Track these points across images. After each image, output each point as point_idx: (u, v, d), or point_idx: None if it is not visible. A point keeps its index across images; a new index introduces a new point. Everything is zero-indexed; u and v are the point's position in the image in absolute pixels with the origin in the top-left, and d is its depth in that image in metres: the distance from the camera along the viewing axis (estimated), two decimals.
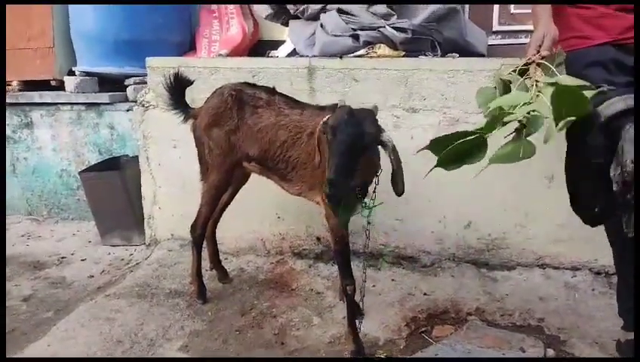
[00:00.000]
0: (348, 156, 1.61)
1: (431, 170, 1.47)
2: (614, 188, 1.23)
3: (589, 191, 1.35)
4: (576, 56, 1.72)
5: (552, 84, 1.43)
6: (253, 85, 2.22)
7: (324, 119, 1.76)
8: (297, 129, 2.01)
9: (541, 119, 1.39)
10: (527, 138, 1.40)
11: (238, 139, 2.14)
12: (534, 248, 2.60)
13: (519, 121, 1.40)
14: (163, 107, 2.33)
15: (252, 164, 2.18)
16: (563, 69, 1.67)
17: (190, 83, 2.32)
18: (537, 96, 1.42)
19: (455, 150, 1.43)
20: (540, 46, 1.66)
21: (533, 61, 1.61)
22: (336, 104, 2.00)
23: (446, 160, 1.45)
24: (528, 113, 1.39)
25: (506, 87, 1.63)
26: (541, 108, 1.38)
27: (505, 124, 1.43)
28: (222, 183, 2.26)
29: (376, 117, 1.76)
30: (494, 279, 2.53)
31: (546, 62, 1.59)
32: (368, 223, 1.96)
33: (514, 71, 1.65)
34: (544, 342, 2.01)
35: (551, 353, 1.94)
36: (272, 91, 2.17)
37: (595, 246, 2.48)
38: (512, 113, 1.42)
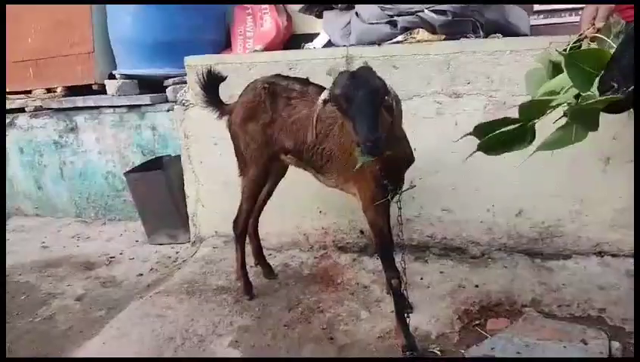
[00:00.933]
0: (371, 111, 1.55)
1: (471, 155, 1.42)
2: None
3: (631, 60, 1.21)
4: (628, 30, 1.60)
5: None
6: (286, 77, 2.19)
7: (324, 94, 1.69)
8: (331, 120, 1.96)
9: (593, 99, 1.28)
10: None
11: (274, 132, 2.12)
12: (591, 235, 2.47)
13: (568, 104, 1.31)
14: (202, 105, 2.33)
15: (289, 156, 2.16)
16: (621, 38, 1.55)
17: (223, 79, 2.30)
18: None
19: (498, 136, 1.37)
20: (594, 18, 1.55)
21: (586, 36, 1.51)
22: None
23: (487, 145, 1.40)
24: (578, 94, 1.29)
25: (555, 69, 1.49)
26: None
27: (553, 108, 1.34)
28: (260, 177, 2.25)
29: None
30: (549, 269, 2.42)
31: (602, 36, 1.48)
32: (399, 208, 1.91)
33: (564, 50, 1.54)
34: (607, 334, 1.90)
35: (616, 345, 1.83)
36: (305, 82, 2.14)
37: None
38: (562, 96, 1.33)
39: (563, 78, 1.40)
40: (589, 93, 1.27)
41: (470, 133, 1.42)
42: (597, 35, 1.49)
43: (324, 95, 1.70)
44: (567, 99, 1.32)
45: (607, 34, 1.49)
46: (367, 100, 1.55)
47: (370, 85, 1.58)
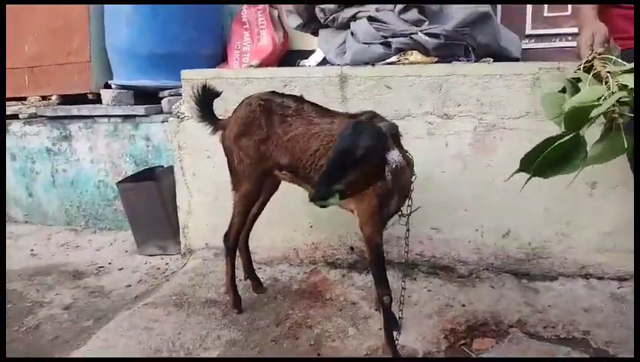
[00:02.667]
0: (337, 163, 1.64)
1: (527, 181, 1.36)
2: None
3: None
4: (622, 58, 1.66)
5: (628, 71, 1.34)
6: (281, 94, 2.22)
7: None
8: (329, 137, 1.99)
9: (630, 106, 1.28)
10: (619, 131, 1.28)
11: (268, 149, 2.14)
12: (577, 257, 2.51)
13: (605, 115, 1.29)
14: (196, 119, 2.36)
15: (283, 172, 2.18)
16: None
17: (218, 94, 2.33)
18: (617, 85, 1.33)
19: (550, 155, 1.30)
20: (591, 45, 1.61)
21: (594, 57, 1.53)
22: (369, 111, 2.00)
23: (539, 169, 1.33)
24: (616, 103, 1.28)
25: (574, 87, 1.48)
26: (628, 95, 1.28)
27: (593, 119, 1.30)
28: (253, 193, 2.26)
29: (395, 132, 1.77)
30: (535, 290, 2.45)
31: (608, 55, 1.51)
32: (407, 230, 1.94)
33: (579, 69, 1.55)
34: (591, 356, 1.93)
35: None
36: (300, 100, 2.17)
37: None
38: (599, 105, 1.29)
39: (589, 91, 1.38)
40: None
41: (519, 170, 1.36)
42: (604, 55, 1.53)
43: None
44: (611, 103, 1.28)
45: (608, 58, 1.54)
46: (341, 151, 1.64)
47: (355, 142, 1.63)
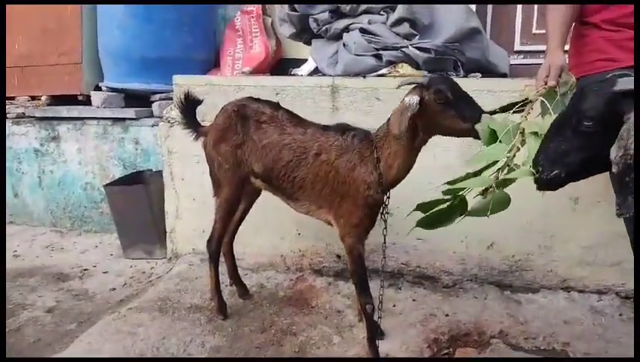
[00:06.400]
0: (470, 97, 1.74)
1: (411, 230, 1.74)
2: (614, 170, 1.22)
3: (562, 148, 1.31)
4: (600, 81, 1.72)
5: (534, 134, 1.46)
6: (257, 100, 2.24)
7: (414, 98, 1.72)
8: (302, 149, 2.02)
9: (513, 180, 1.46)
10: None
11: (244, 154, 2.16)
12: (559, 271, 2.56)
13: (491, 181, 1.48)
14: (180, 127, 2.38)
15: (258, 180, 2.20)
16: (571, 93, 1.64)
17: (200, 102, 2.37)
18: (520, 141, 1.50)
19: (433, 215, 1.63)
20: (547, 76, 1.67)
21: (530, 100, 1.62)
22: (342, 123, 2.06)
23: (425, 222, 1.67)
24: (499, 174, 1.47)
25: (491, 135, 1.60)
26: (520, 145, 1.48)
27: (469, 189, 1.55)
28: (233, 198, 2.28)
29: None
30: (518, 301, 2.49)
31: (543, 99, 1.61)
32: (384, 236, 2.02)
33: (496, 110, 1.68)
34: None
35: None
36: (275, 106, 2.19)
37: (622, 269, 2.45)
38: (475, 180, 1.53)
39: (492, 150, 1.55)
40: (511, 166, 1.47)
41: (416, 209, 1.67)
42: (541, 97, 1.61)
43: (414, 98, 1.72)
44: (481, 183, 1.49)
45: (553, 95, 1.63)
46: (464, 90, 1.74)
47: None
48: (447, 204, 1.60)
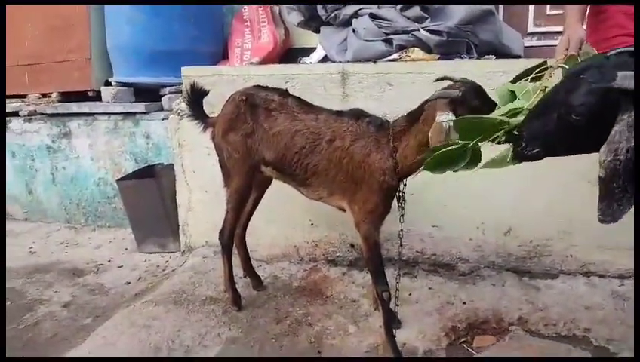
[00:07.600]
0: None
1: (418, 172, 1.71)
2: (601, 174, 1.14)
3: (546, 129, 1.24)
4: (618, 57, 1.65)
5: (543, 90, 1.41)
6: (265, 88, 2.21)
7: (451, 107, 1.66)
8: (315, 136, 1.99)
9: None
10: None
11: (255, 143, 2.13)
12: (579, 255, 2.50)
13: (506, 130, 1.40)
14: (187, 118, 2.36)
15: (269, 168, 2.18)
16: None
17: (206, 93, 2.34)
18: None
19: (441, 156, 1.47)
20: (566, 49, 1.61)
21: (549, 66, 1.54)
22: (356, 109, 2.01)
23: (432, 164, 1.49)
24: (507, 125, 1.39)
25: (512, 96, 1.55)
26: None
27: (493, 131, 1.43)
28: (244, 187, 2.26)
29: None
30: (537, 287, 2.44)
31: (565, 65, 1.53)
32: (402, 223, 1.95)
33: (526, 79, 1.57)
34: (592, 354, 1.92)
35: None
36: (284, 93, 2.16)
37: None
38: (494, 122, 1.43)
39: (507, 106, 1.47)
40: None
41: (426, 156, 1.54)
42: (562, 65, 1.54)
43: (449, 117, 1.64)
44: (494, 132, 1.40)
45: (574, 64, 1.55)
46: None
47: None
48: (461, 145, 1.47)
